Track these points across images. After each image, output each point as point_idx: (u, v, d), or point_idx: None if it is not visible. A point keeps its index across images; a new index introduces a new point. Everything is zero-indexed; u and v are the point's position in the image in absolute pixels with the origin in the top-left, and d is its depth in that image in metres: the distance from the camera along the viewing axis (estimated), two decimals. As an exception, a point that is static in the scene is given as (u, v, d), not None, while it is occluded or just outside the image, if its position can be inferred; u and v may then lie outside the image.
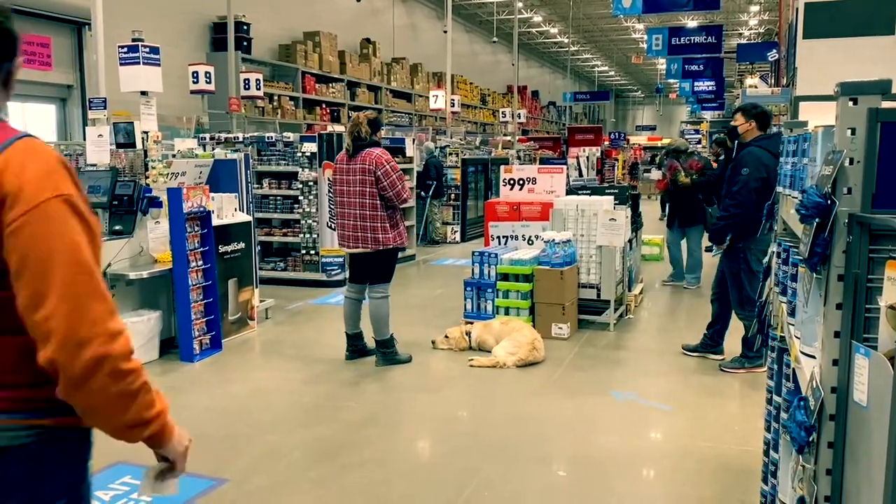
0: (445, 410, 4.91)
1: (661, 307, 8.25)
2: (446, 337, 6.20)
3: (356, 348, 5.90)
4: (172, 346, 6.12)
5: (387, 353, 5.76)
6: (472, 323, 6.44)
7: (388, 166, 5.47)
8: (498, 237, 7.45)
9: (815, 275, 1.75)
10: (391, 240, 5.54)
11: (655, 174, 14.54)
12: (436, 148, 13.47)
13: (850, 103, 1.60)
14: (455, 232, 13.53)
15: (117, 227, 5.97)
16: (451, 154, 14.03)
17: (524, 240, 7.33)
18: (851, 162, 1.59)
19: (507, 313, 6.65)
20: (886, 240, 1.54)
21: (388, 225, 5.51)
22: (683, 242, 9.13)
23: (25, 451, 1.42)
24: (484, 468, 4.01)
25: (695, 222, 8.84)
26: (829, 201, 1.60)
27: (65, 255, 1.35)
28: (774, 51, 19.15)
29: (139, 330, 5.78)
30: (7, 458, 1.40)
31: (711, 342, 5.95)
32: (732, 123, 5.93)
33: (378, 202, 5.48)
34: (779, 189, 2.82)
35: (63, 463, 1.49)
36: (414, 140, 12.17)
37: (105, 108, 6.72)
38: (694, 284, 9.12)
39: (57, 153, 1.47)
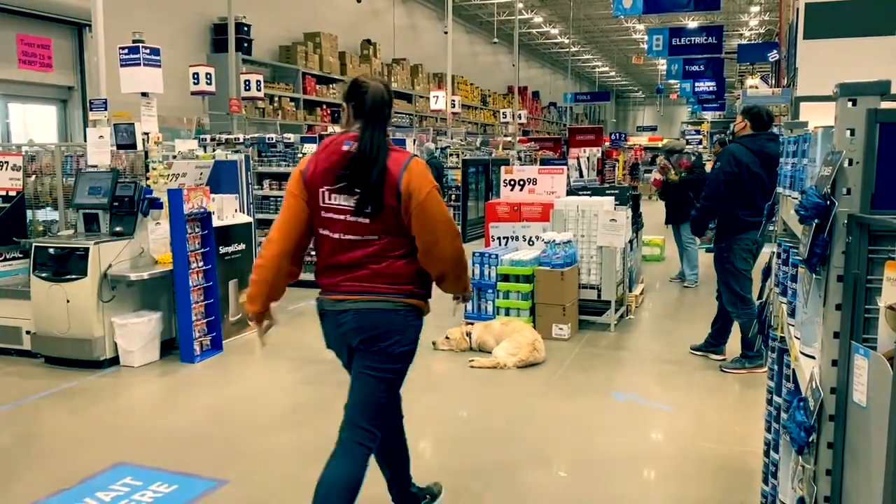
0: (446, 411, 4.91)
1: (662, 308, 8.24)
2: (447, 338, 6.20)
3: None
4: (173, 348, 6.13)
5: None
6: (472, 324, 6.44)
7: None
8: (498, 238, 7.45)
9: (814, 275, 1.75)
10: None
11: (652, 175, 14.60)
12: (436, 149, 13.47)
13: (850, 104, 1.60)
14: (456, 233, 13.51)
15: (118, 229, 5.98)
16: (451, 155, 14.03)
17: (525, 240, 7.33)
18: (851, 163, 1.59)
19: (507, 314, 6.65)
20: (885, 240, 1.54)
21: None
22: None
23: (404, 313, 2.80)
24: (485, 469, 4.01)
25: (686, 218, 8.95)
26: (828, 202, 1.60)
27: (443, 216, 2.77)
28: (775, 51, 19.15)
29: (140, 331, 5.79)
30: (399, 314, 2.79)
31: (713, 341, 5.96)
32: (733, 124, 6.00)
33: None
34: (779, 189, 2.82)
35: (416, 322, 2.87)
36: (415, 141, 12.18)
37: (106, 109, 6.73)
38: (693, 282, 9.16)
39: (423, 163, 2.83)
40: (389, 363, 2.83)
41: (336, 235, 2.76)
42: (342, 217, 2.73)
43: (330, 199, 2.74)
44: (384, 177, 2.66)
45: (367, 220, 2.71)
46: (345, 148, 2.71)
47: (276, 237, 2.83)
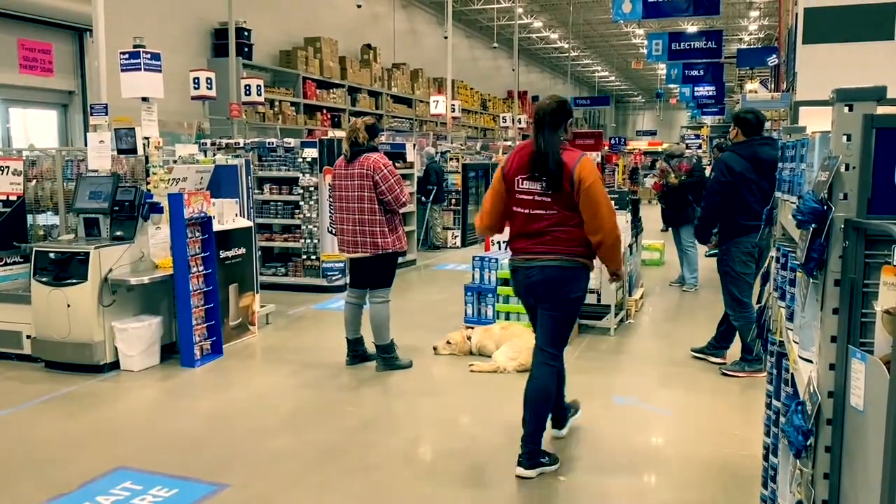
0: (446, 415, 4.91)
1: (662, 312, 8.25)
2: (448, 342, 6.20)
3: (357, 353, 5.91)
4: (173, 352, 6.13)
5: (387, 358, 5.76)
6: (472, 328, 6.44)
7: (385, 170, 5.49)
8: (499, 242, 7.45)
9: (812, 280, 1.76)
10: (390, 244, 5.56)
11: (650, 180, 14.65)
12: (436, 153, 13.48)
13: (846, 109, 1.61)
14: (456, 237, 13.54)
15: (118, 233, 5.99)
16: (451, 159, 14.04)
17: (524, 245, 7.33)
18: (847, 168, 1.60)
19: (507, 318, 6.65)
20: (882, 245, 1.54)
21: (386, 229, 5.53)
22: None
23: (574, 269, 3.84)
24: (485, 473, 4.01)
25: (685, 221, 9.04)
26: (825, 207, 1.61)
27: (604, 198, 3.77)
28: (774, 56, 19.19)
29: (140, 335, 5.79)
30: (569, 271, 3.83)
31: (716, 343, 5.97)
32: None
33: (377, 206, 5.50)
34: (777, 194, 2.83)
35: (584, 277, 3.91)
36: (415, 145, 12.20)
37: (106, 114, 6.74)
38: (693, 286, 9.18)
39: (592, 160, 3.89)
40: (565, 306, 3.92)
41: (526, 211, 3.85)
42: (531, 197, 3.83)
43: (522, 184, 3.85)
44: (561, 167, 3.72)
45: (549, 199, 3.78)
46: (530, 150, 3.84)
47: (486, 209, 4.06)
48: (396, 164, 10.78)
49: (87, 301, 5.65)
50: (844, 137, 1.61)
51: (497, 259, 6.85)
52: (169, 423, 4.81)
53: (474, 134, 26.13)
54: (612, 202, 4.03)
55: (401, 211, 5.70)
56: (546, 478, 3.93)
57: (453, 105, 17.29)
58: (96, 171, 6.31)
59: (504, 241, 7.41)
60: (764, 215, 3.20)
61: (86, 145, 6.71)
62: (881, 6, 7.15)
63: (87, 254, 5.66)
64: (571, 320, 4.08)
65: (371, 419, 4.80)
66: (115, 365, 5.80)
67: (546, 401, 4.02)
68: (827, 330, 1.62)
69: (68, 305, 5.68)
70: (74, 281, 5.67)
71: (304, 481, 3.92)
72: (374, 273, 5.68)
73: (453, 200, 13.65)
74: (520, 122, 23.74)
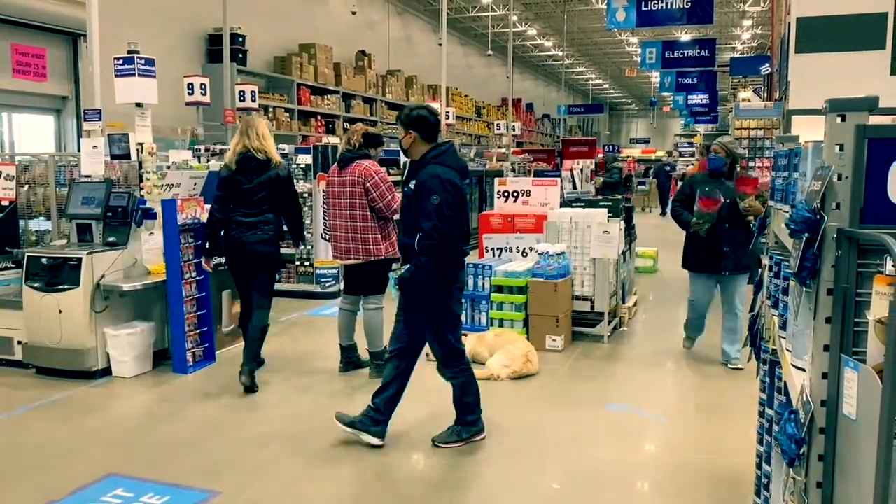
0: (440, 422, 4.89)
1: (656, 319, 8.26)
2: (441, 349, 6.18)
3: (350, 360, 5.90)
4: (165, 358, 6.11)
5: (380, 365, 5.73)
6: (465, 335, 6.43)
7: (377, 177, 5.49)
8: (492, 249, 7.46)
9: (804, 289, 1.76)
10: (383, 251, 5.56)
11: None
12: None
13: (839, 119, 1.62)
14: (450, 244, 13.52)
15: (111, 239, 5.97)
16: (445, 166, 14.02)
17: (518, 252, 7.34)
18: (840, 177, 1.61)
19: (501, 325, 6.65)
20: (874, 254, 1.55)
21: (379, 236, 5.55)
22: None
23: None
24: (478, 480, 4.01)
25: (746, 265, 6.05)
26: (818, 216, 1.62)
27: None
28: (767, 65, 19.28)
29: (132, 342, 5.77)
30: None
31: (374, 414, 4.40)
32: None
33: (368, 213, 5.52)
34: (770, 203, 2.84)
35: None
36: (409, 152, 12.18)
37: (100, 119, 6.72)
38: (736, 362, 6.04)
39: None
40: None
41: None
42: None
43: None
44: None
45: None
46: None
47: None
48: (390, 171, 10.82)
49: (79, 307, 5.63)
50: (837, 147, 1.62)
51: (491, 266, 6.85)
52: (161, 429, 4.79)
53: (469, 141, 26.16)
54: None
55: (393, 218, 5.67)
56: (539, 485, 3.92)
57: (448, 112, 17.30)
58: (89, 176, 6.29)
59: (497, 249, 7.43)
60: (756, 223, 3.21)
61: (79, 150, 6.69)
62: (873, 16, 7.20)
63: (80, 259, 5.64)
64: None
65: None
66: (106, 371, 5.77)
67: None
68: (820, 339, 1.62)
69: (60, 311, 5.65)
70: (66, 286, 5.65)
71: (297, 488, 3.90)
72: (366, 279, 5.68)
73: (447, 207, 13.64)
74: (514, 130, 23.77)
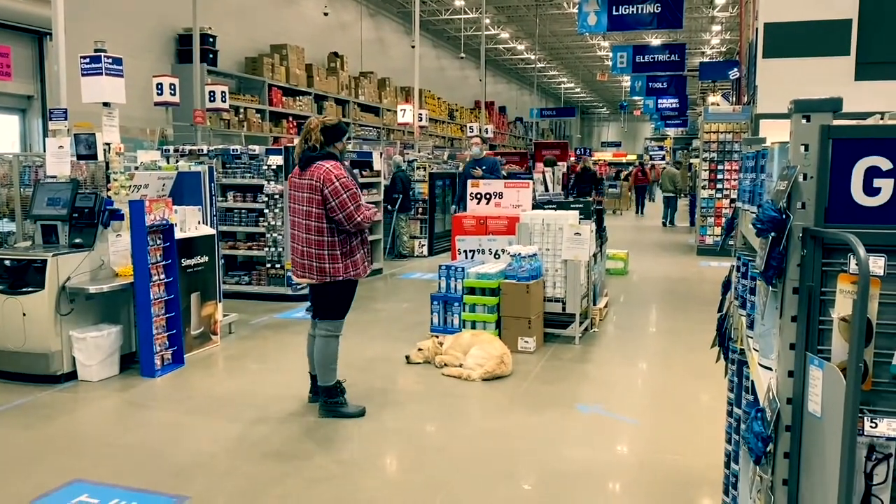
0: (412, 425, 4.88)
1: (626, 321, 8.32)
2: (419, 350, 6.17)
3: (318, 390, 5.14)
4: (133, 362, 6.01)
5: (329, 402, 4.92)
6: (438, 337, 6.43)
7: (337, 183, 4.62)
8: (465, 251, 7.46)
9: (771, 288, 1.78)
10: (340, 270, 4.73)
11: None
12: (404, 162, 13.47)
13: (804, 120, 1.64)
14: (422, 246, 13.52)
15: (77, 240, 5.86)
16: (419, 168, 14.03)
17: (491, 254, 7.35)
18: (805, 177, 1.63)
19: (473, 327, 6.65)
20: (838, 253, 1.57)
21: (338, 253, 4.71)
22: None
23: None
24: (450, 483, 4.00)
25: None
26: (783, 216, 1.63)
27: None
28: (735, 69, 19.56)
29: (99, 345, 5.67)
30: None
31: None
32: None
33: (325, 226, 4.68)
34: (738, 204, 2.88)
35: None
36: (381, 154, 12.16)
37: (66, 119, 6.61)
38: None
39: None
40: None
41: None
42: None
43: None
44: None
45: None
46: None
47: None
48: (363, 173, 10.78)
49: (43, 310, 5.52)
50: (802, 147, 1.64)
51: (463, 268, 6.85)
52: (128, 434, 4.71)
53: (442, 143, 26.18)
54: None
55: (356, 231, 4.79)
56: (511, 487, 3.92)
57: (421, 114, 17.31)
58: (55, 176, 6.18)
59: (470, 251, 7.44)
60: (725, 224, 3.25)
61: (45, 150, 6.57)
62: (837, 22, 7.35)
63: (45, 261, 5.53)
64: None
65: (337, 428, 4.75)
66: (72, 375, 5.66)
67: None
68: (786, 337, 1.64)
69: (24, 314, 5.54)
70: (31, 289, 5.54)
71: (267, 492, 3.86)
72: (320, 301, 4.91)
73: (420, 209, 13.64)
74: (487, 132, 23.85)
